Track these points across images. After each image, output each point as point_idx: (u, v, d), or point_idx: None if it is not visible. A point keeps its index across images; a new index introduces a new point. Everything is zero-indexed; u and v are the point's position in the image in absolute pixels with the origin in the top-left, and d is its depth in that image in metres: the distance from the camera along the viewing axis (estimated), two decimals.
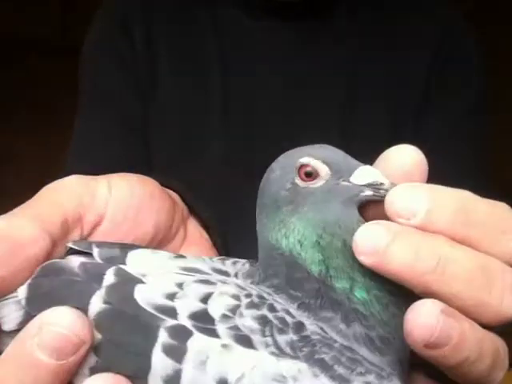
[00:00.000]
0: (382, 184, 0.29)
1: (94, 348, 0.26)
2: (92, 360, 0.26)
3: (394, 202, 0.27)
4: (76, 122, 0.70)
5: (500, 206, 0.29)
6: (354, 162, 0.30)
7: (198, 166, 0.66)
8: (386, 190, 0.28)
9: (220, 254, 0.38)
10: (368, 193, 0.29)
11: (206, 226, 0.39)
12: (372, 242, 0.26)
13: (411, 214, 0.27)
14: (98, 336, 0.26)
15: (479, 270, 0.27)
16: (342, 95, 0.68)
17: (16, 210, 0.29)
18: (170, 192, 0.37)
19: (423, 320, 0.26)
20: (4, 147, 1.72)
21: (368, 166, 0.30)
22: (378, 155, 0.31)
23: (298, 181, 0.30)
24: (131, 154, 0.67)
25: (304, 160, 0.30)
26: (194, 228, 0.38)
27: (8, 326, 0.27)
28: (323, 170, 0.30)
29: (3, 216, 0.29)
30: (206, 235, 0.39)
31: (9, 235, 0.27)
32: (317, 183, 0.29)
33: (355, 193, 0.29)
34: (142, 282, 0.27)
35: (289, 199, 0.30)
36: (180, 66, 0.69)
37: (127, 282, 0.27)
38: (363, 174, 0.29)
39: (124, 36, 0.70)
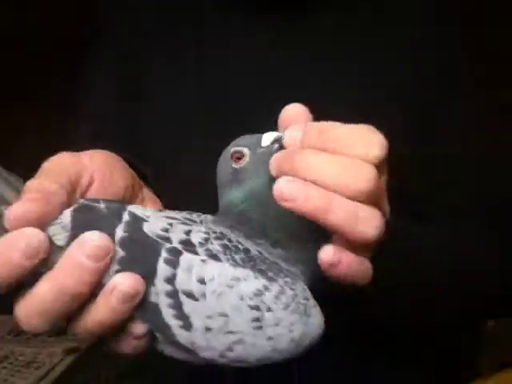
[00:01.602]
0: (282, 137, 0.41)
1: (118, 260, 0.39)
2: (116, 267, 0.39)
3: (285, 138, 0.41)
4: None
5: (362, 127, 0.39)
6: (261, 135, 0.44)
7: (179, 151, 0.65)
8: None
9: None
10: (276, 145, 0.42)
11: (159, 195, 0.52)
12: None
13: (294, 142, 0.40)
14: (121, 252, 0.39)
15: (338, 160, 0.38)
16: (319, 83, 0.62)
17: (37, 175, 0.41)
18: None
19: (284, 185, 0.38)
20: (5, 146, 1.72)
21: (269, 132, 0.44)
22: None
23: (234, 164, 0.44)
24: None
25: (232, 150, 0.44)
26: (149, 193, 0.51)
27: (60, 242, 0.39)
28: (245, 151, 0.43)
29: (32, 179, 0.41)
30: (159, 201, 0.52)
31: (43, 188, 0.40)
32: (245, 160, 0.43)
33: (270, 151, 0.42)
34: (146, 221, 0.41)
35: (233, 177, 0.44)
36: (161, 59, 0.68)
37: (137, 220, 0.41)
38: (267, 138, 0.43)
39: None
